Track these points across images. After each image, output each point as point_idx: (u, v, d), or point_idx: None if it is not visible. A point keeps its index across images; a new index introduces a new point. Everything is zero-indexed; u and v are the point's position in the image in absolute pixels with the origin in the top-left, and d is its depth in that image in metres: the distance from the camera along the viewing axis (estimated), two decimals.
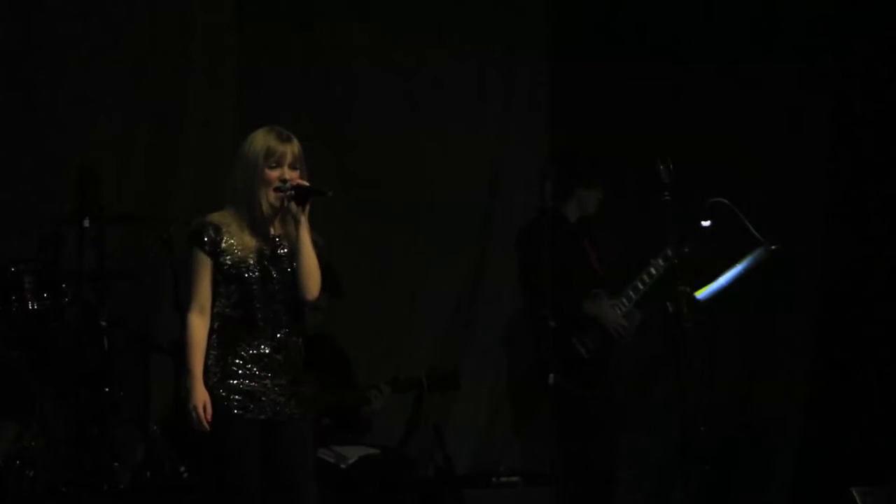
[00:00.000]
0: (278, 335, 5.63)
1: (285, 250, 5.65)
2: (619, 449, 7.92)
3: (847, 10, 8.95)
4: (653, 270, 7.61)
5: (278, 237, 5.67)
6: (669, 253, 6.97)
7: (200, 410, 5.54)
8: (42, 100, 8.22)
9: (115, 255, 7.92)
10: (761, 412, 8.98)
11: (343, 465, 7.59)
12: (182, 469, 7.58)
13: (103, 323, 7.62)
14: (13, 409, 7.37)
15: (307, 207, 5.58)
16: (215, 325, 5.61)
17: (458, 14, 8.97)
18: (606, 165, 7.98)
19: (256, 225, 5.63)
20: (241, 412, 5.58)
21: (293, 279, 5.63)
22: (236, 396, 5.58)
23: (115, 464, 7.56)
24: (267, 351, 5.62)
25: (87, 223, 7.59)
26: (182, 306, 7.59)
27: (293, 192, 5.57)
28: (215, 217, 5.65)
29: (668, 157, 6.59)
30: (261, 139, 5.63)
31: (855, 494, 7.12)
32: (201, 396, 5.54)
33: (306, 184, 5.59)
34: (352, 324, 8.31)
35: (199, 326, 5.60)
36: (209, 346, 5.61)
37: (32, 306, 7.54)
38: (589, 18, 8.95)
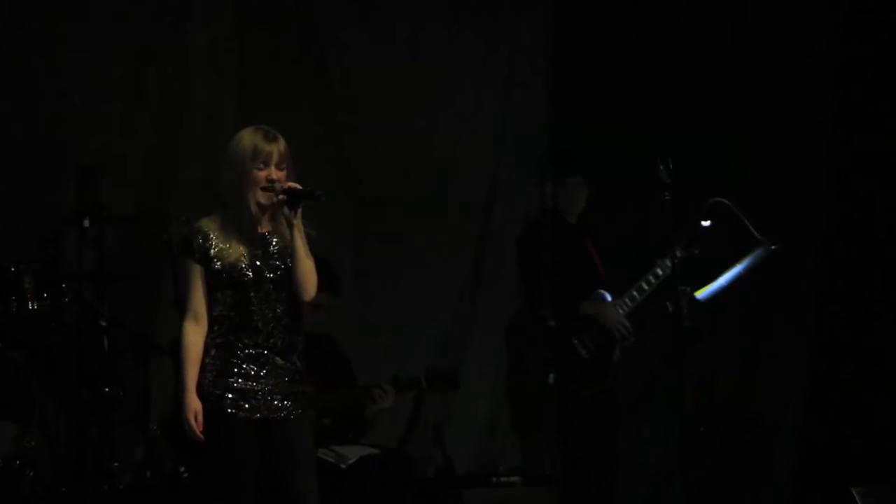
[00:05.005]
0: (276, 335, 5.62)
1: (276, 248, 5.64)
2: (619, 449, 7.93)
3: (847, 5, 8.96)
4: (659, 271, 7.60)
5: (268, 235, 5.66)
6: (678, 254, 6.96)
7: (192, 421, 5.55)
8: (42, 100, 8.22)
9: (115, 255, 7.92)
10: (761, 412, 8.98)
11: (343, 465, 7.59)
12: (182, 469, 7.58)
13: (103, 323, 7.62)
14: (13, 409, 7.38)
15: (300, 210, 5.58)
16: (214, 328, 5.62)
17: (457, 10, 8.97)
18: (571, 160, 7.93)
19: (246, 226, 5.61)
20: (234, 411, 5.59)
21: (288, 276, 5.63)
22: (230, 395, 5.59)
23: (115, 464, 7.57)
24: (264, 351, 5.61)
25: (87, 223, 7.59)
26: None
27: (284, 195, 5.56)
28: (203, 223, 5.65)
29: (667, 157, 6.59)
30: (247, 139, 5.61)
31: (855, 494, 7.12)
32: (192, 407, 5.56)
33: (298, 187, 5.58)
34: (351, 323, 8.31)
35: (193, 335, 5.61)
36: (209, 347, 5.61)
37: (32, 306, 7.54)
38: (590, 13, 8.94)
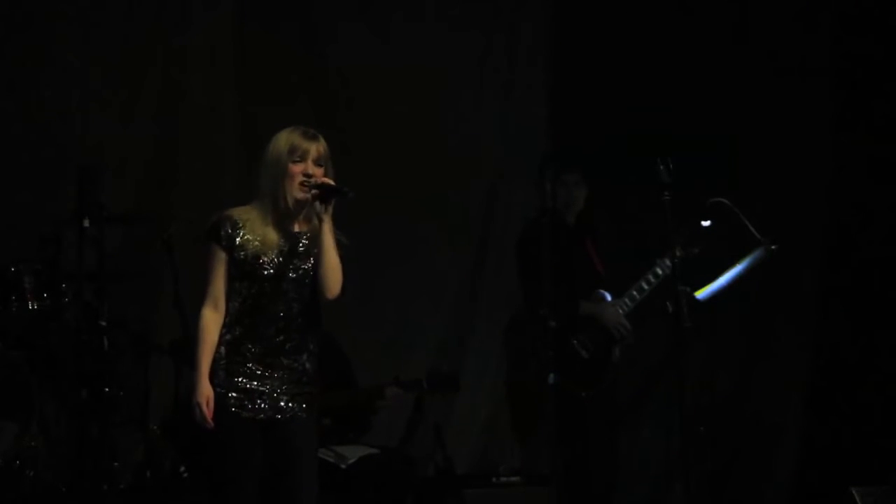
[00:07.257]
0: (287, 333, 5.62)
1: (305, 247, 5.65)
2: (618, 449, 7.92)
3: (845, 5, 8.96)
4: (659, 271, 7.59)
5: (300, 233, 5.67)
6: (678, 253, 6.96)
7: (204, 407, 5.55)
8: (42, 100, 8.22)
9: (115, 255, 7.92)
10: (761, 412, 8.98)
11: (343, 465, 7.59)
12: (182, 469, 7.58)
13: (103, 323, 7.61)
14: (13, 409, 7.38)
15: (331, 207, 5.59)
16: (227, 321, 5.63)
17: (457, 10, 8.97)
18: (568, 157, 7.94)
19: (281, 220, 5.63)
20: (238, 410, 5.59)
21: (310, 277, 5.62)
22: (234, 394, 5.59)
23: (115, 464, 7.56)
24: (273, 350, 5.62)
25: (87, 223, 7.58)
26: (181, 305, 7.67)
27: (317, 190, 5.57)
28: (235, 212, 5.66)
29: (668, 157, 6.58)
30: (285, 136, 5.66)
31: (855, 494, 7.12)
32: (206, 392, 5.56)
33: (331, 182, 5.59)
34: (351, 324, 8.30)
35: (210, 321, 5.61)
36: (219, 342, 5.62)
37: (32, 306, 7.55)
38: (590, 13, 8.93)
